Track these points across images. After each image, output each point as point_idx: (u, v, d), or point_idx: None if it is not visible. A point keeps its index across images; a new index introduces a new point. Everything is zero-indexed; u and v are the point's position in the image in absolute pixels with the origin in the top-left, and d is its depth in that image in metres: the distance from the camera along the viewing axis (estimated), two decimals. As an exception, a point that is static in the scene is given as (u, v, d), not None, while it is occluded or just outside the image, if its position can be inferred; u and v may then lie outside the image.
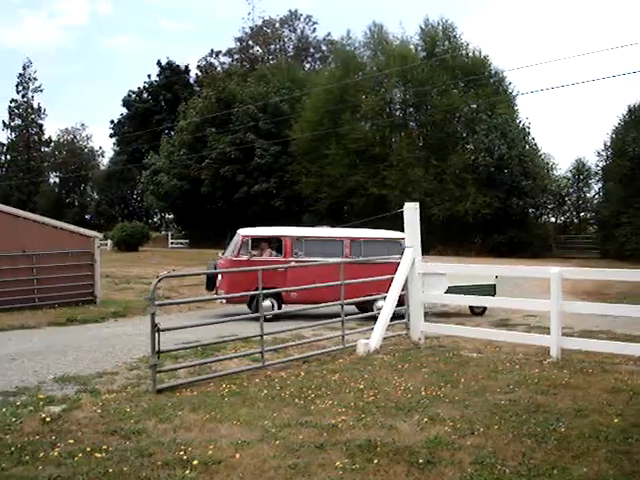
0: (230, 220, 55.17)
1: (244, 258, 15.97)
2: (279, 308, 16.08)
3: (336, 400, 7.35)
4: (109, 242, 47.88)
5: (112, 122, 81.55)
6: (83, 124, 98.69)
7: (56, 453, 5.76)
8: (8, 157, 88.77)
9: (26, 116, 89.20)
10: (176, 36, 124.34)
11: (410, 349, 10.68)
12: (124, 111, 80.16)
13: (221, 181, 53.90)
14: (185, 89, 74.71)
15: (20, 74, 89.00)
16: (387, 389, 7.82)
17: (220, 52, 77.47)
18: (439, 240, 40.62)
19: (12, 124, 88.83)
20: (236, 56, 77.08)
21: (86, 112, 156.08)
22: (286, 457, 5.57)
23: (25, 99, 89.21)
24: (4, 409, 7.30)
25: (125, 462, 5.50)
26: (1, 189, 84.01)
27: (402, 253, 15.93)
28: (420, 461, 5.37)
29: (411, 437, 6.02)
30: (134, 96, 79.61)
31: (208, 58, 78.37)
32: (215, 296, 15.83)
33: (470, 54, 50.81)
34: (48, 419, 6.80)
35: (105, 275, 21.97)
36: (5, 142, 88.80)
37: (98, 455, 5.68)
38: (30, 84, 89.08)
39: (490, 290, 16.68)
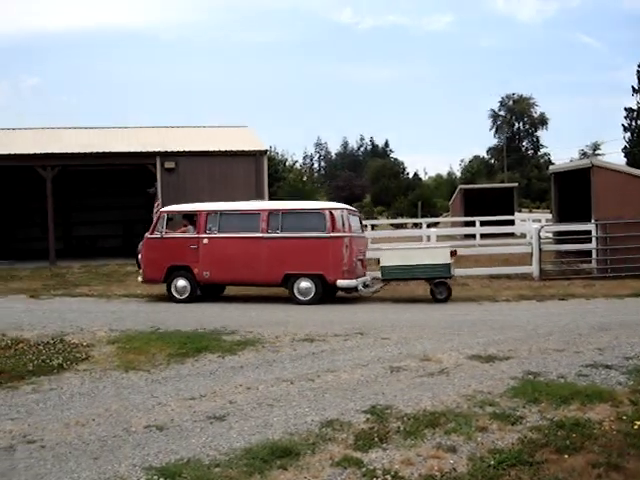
0: None
1: (157, 235, 15.85)
2: (193, 291, 15.44)
3: None
4: None
5: None
6: None
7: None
8: (639, 122, 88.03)
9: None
10: None
11: None
12: None
13: None
14: None
15: None
16: None
17: None
18: None
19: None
20: None
21: None
22: None
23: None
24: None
25: None
26: (632, 155, 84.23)
27: (328, 226, 14.71)
28: None
29: None
30: None
31: None
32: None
33: None
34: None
35: None
36: (635, 107, 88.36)
37: None
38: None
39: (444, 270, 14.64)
